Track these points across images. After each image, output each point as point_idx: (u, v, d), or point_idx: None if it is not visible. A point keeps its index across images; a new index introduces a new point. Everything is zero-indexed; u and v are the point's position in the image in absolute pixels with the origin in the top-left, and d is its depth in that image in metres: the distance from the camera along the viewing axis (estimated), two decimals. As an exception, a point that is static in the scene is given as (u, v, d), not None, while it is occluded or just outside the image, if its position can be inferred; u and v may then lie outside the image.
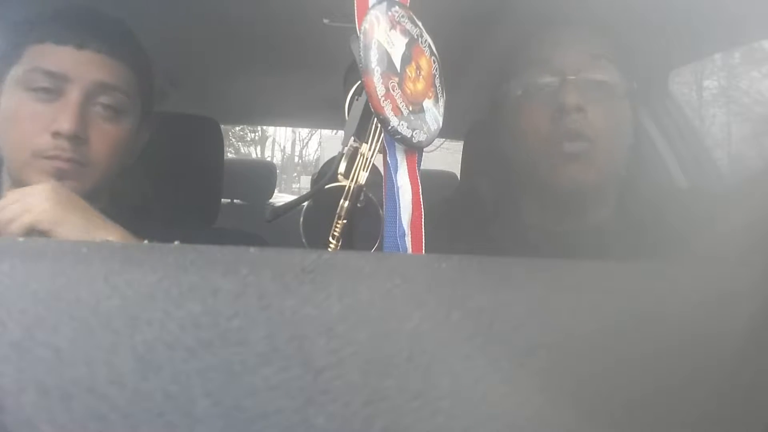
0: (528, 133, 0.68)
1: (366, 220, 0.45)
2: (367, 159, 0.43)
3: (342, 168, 0.43)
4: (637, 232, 0.65)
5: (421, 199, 0.44)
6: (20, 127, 0.60)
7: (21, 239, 0.27)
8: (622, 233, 0.67)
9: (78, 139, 0.60)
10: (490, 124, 0.80)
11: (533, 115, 0.67)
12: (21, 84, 0.61)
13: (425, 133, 0.44)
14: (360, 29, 0.41)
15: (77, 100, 0.60)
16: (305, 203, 0.47)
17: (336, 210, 0.43)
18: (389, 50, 0.42)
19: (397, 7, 0.43)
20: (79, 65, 0.61)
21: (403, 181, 0.43)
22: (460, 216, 0.76)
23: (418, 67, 0.44)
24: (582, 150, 0.64)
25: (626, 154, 0.70)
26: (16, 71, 0.61)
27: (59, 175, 0.59)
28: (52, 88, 0.60)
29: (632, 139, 0.71)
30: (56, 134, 0.59)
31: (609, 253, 0.64)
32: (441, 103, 0.46)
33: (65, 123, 0.58)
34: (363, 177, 0.43)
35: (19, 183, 0.61)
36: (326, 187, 0.44)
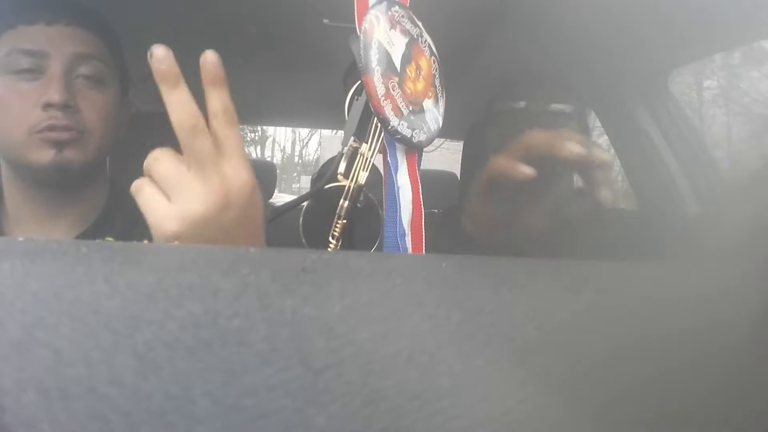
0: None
1: (366, 220, 0.45)
2: (366, 159, 0.43)
3: (342, 168, 0.43)
4: (617, 230, 0.76)
5: (421, 199, 0.44)
6: (11, 109, 0.61)
7: (21, 239, 0.26)
8: (596, 230, 0.78)
9: (69, 107, 0.61)
10: (484, 134, 0.91)
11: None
12: (3, 69, 0.62)
13: (425, 133, 0.44)
14: (360, 29, 0.41)
15: (60, 72, 0.62)
16: (305, 203, 0.47)
17: (336, 210, 0.43)
18: (389, 50, 0.42)
19: (397, 7, 0.43)
20: (54, 40, 0.63)
21: (403, 180, 0.43)
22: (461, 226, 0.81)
23: (418, 67, 0.44)
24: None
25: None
26: None
27: (58, 146, 0.60)
28: (34, 67, 0.62)
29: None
30: (47, 105, 0.60)
31: (585, 246, 0.71)
32: (441, 103, 0.46)
33: (55, 94, 0.60)
34: (363, 177, 0.43)
35: (20, 164, 0.62)
36: (326, 187, 0.44)
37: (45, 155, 0.60)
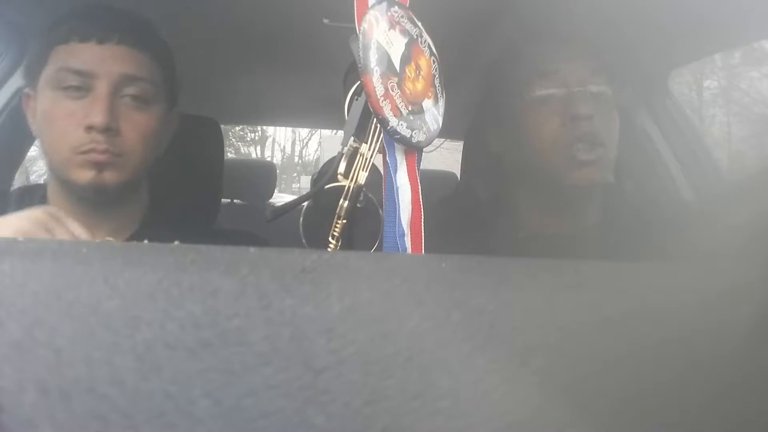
0: (536, 140, 0.72)
1: (366, 220, 0.45)
2: (366, 159, 0.43)
3: (342, 168, 0.43)
4: (628, 233, 0.69)
5: (421, 199, 0.44)
6: (56, 126, 0.63)
7: (21, 239, 0.26)
8: (614, 234, 0.72)
9: (110, 130, 0.62)
10: (486, 130, 0.83)
11: (541, 123, 0.71)
12: (52, 84, 0.64)
13: (425, 133, 0.44)
14: (359, 29, 0.41)
15: (105, 94, 0.63)
16: (305, 203, 0.47)
17: (336, 210, 0.43)
18: (388, 50, 0.42)
19: (396, 7, 0.43)
20: (103, 60, 0.64)
21: (402, 181, 0.43)
22: (457, 217, 0.77)
23: (418, 67, 0.44)
24: (598, 155, 0.69)
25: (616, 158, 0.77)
26: (46, 73, 0.65)
27: (98, 168, 0.62)
28: (81, 85, 0.63)
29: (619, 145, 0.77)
30: (89, 128, 0.62)
31: (600, 254, 0.68)
32: (441, 103, 0.46)
33: (97, 117, 0.61)
34: (363, 177, 0.43)
35: (63, 179, 0.64)
36: (326, 187, 0.44)
37: (85, 175, 0.62)
